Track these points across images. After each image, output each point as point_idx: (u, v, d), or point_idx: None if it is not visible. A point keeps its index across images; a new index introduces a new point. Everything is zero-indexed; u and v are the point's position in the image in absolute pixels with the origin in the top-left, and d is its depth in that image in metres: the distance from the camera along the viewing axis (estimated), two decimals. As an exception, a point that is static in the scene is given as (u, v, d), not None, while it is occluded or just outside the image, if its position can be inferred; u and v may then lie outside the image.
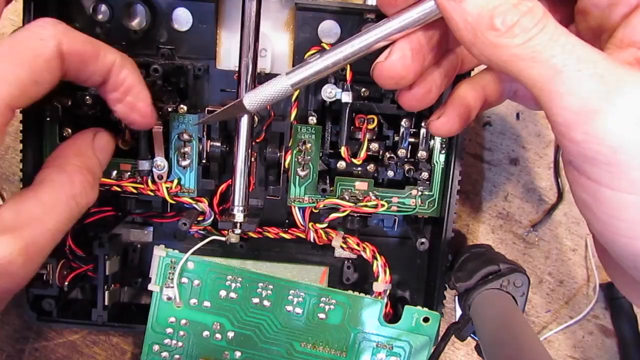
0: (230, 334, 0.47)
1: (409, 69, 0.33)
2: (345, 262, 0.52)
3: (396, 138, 0.46)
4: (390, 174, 0.47)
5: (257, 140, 0.48)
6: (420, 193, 0.47)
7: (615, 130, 0.24)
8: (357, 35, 0.33)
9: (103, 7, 0.46)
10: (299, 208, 0.48)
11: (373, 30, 0.33)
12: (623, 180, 0.25)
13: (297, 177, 0.46)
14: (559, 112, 0.26)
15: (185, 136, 0.45)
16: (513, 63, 0.27)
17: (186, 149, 0.45)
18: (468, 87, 0.37)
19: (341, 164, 0.46)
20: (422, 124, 0.45)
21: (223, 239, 0.46)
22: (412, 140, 0.46)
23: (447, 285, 0.48)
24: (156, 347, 0.47)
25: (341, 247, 0.49)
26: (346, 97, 0.44)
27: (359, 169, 0.47)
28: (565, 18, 0.33)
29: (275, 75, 0.48)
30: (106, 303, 0.47)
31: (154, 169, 0.45)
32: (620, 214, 0.26)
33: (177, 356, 0.47)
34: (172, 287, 0.46)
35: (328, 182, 0.46)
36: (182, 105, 0.45)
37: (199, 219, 0.48)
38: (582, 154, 0.26)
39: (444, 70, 0.36)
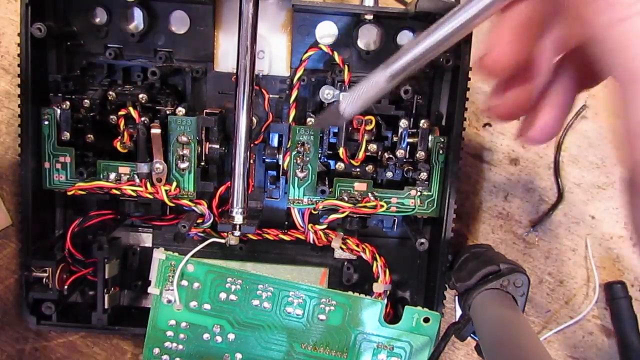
0: (231, 336, 0.47)
1: (520, 54, 0.27)
2: (345, 263, 0.52)
3: (395, 138, 0.46)
4: (389, 174, 0.47)
5: (256, 142, 0.48)
6: (419, 193, 0.47)
7: None
8: (457, 9, 0.27)
9: (101, 10, 0.47)
10: (298, 209, 0.48)
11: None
12: None
13: (296, 178, 0.46)
14: (630, 119, 0.21)
15: (184, 138, 0.45)
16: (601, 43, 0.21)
17: (185, 152, 0.45)
18: None
19: (340, 165, 0.46)
20: (420, 124, 0.45)
21: (222, 241, 0.46)
22: (410, 140, 0.46)
23: (447, 285, 0.48)
24: (157, 350, 0.47)
25: (341, 248, 0.49)
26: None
27: (358, 169, 0.47)
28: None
29: (274, 76, 0.49)
30: (106, 306, 0.47)
31: (152, 172, 0.45)
32: None
33: (177, 359, 0.47)
34: (172, 289, 0.46)
35: (327, 183, 0.46)
36: (180, 108, 0.45)
37: (198, 221, 0.48)
38: None
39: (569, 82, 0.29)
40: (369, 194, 0.46)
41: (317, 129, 0.45)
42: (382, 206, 0.46)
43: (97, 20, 0.47)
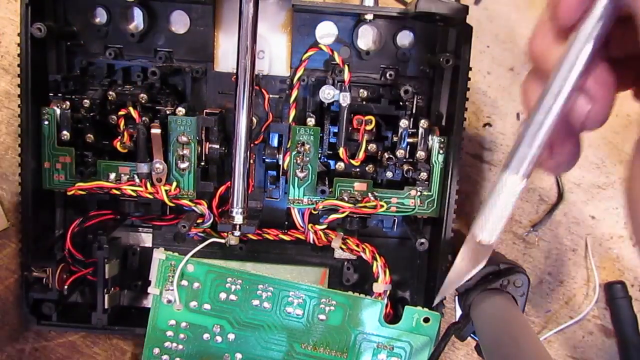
0: (231, 336, 0.47)
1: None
2: (345, 263, 0.52)
3: (395, 139, 0.46)
4: (389, 174, 0.47)
5: (256, 142, 0.48)
6: (419, 193, 0.47)
7: None
8: (552, 83, 0.25)
9: (101, 10, 0.47)
10: (298, 209, 0.48)
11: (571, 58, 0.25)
12: None
13: (296, 178, 0.46)
14: None
15: (184, 139, 0.45)
16: None
17: (185, 152, 0.45)
18: None
19: (340, 165, 0.46)
20: (420, 124, 0.45)
21: (222, 241, 0.46)
22: (410, 140, 0.46)
23: (447, 286, 0.48)
24: (157, 350, 0.47)
25: (341, 248, 0.49)
26: (344, 99, 0.44)
27: (358, 169, 0.47)
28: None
29: (274, 76, 0.48)
30: (106, 306, 0.47)
31: (152, 172, 0.45)
32: None
33: (177, 359, 0.47)
34: (172, 289, 0.46)
35: (327, 183, 0.46)
36: (180, 108, 0.45)
37: (198, 221, 0.47)
38: None
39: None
40: (369, 194, 0.46)
41: (316, 130, 0.45)
42: (382, 206, 0.46)
43: (97, 20, 0.47)
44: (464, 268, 0.29)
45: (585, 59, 0.24)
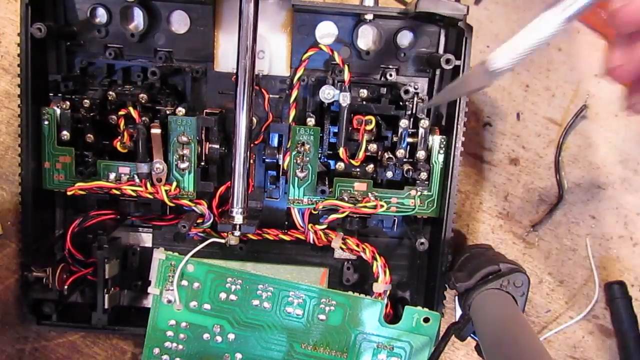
0: (231, 336, 0.47)
1: None
2: (345, 263, 0.52)
3: (395, 138, 0.46)
4: (389, 174, 0.47)
5: (256, 142, 0.48)
6: (419, 193, 0.47)
7: None
8: None
9: (101, 10, 0.47)
10: (298, 209, 0.48)
11: None
12: None
13: (296, 178, 0.46)
14: None
15: (184, 138, 0.45)
16: None
17: (185, 152, 0.45)
18: None
19: (340, 165, 0.46)
20: (420, 124, 0.45)
21: (222, 241, 0.46)
22: (410, 140, 0.46)
23: (447, 285, 0.48)
24: (156, 350, 0.47)
25: (341, 248, 0.49)
26: (344, 99, 0.44)
27: (358, 169, 0.47)
28: None
29: (274, 76, 0.48)
30: (106, 306, 0.47)
31: (152, 172, 0.45)
32: None
33: (177, 359, 0.47)
34: (172, 289, 0.46)
35: (327, 183, 0.46)
36: (180, 108, 0.45)
37: (198, 221, 0.48)
38: None
39: None
40: (369, 194, 0.46)
41: (316, 130, 0.45)
42: (382, 206, 0.46)
43: (97, 20, 0.47)
44: (465, 83, 0.29)
45: None
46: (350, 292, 0.47)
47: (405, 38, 0.48)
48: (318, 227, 0.48)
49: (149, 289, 0.46)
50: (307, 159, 0.46)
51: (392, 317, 0.49)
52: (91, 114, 0.45)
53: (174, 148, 0.45)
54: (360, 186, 0.47)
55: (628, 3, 0.25)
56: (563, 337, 0.55)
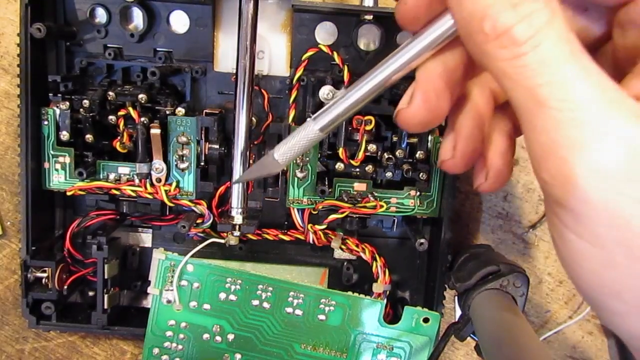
0: (231, 337, 0.47)
1: (437, 110, 0.28)
2: (345, 263, 0.52)
3: (394, 139, 0.46)
4: (389, 174, 0.47)
5: (255, 142, 0.48)
6: (418, 193, 0.47)
7: (582, 184, 0.22)
8: (381, 64, 0.29)
9: (100, 11, 0.47)
10: (298, 210, 0.48)
11: (400, 53, 0.29)
12: (587, 231, 0.23)
13: (296, 178, 0.46)
14: (530, 145, 0.23)
15: (184, 139, 0.45)
16: (499, 77, 0.23)
17: (184, 152, 0.45)
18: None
19: (340, 165, 0.46)
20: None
21: (222, 241, 0.46)
22: (410, 140, 0.46)
23: (447, 285, 0.48)
24: (156, 351, 0.47)
25: (340, 248, 0.49)
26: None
27: (358, 170, 0.47)
28: (604, 34, 0.28)
29: (273, 76, 0.49)
30: (105, 306, 0.47)
31: (152, 172, 0.45)
32: (582, 262, 0.24)
33: (177, 359, 0.47)
34: (172, 290, 0.46)
35: (327, 183, 0.46)
36: (180, 108, 0.45)
37: (197, 221, 0.48)
38: (549, 192, 0.24)
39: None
40: (369, 194, 0.46)
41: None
42: (381, 206, 0.46)
43: (97, 20, 0.47)
44: (254, 170, 0.35)
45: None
46: (349, 293, 0.47)
47: (405, 38, 0.48)
48: (318, 227, 0.48)
49: (149, 289, 0.46)
50: (307, 159, 0.46)
51: (392, 317, 0.49)
52: (91, 114, 0.44)
53: (174, 148, 0.45)
54: (360, 186, 0.47)
55: (404, 107, 0.28)
56: (563, 337, 0.55)
